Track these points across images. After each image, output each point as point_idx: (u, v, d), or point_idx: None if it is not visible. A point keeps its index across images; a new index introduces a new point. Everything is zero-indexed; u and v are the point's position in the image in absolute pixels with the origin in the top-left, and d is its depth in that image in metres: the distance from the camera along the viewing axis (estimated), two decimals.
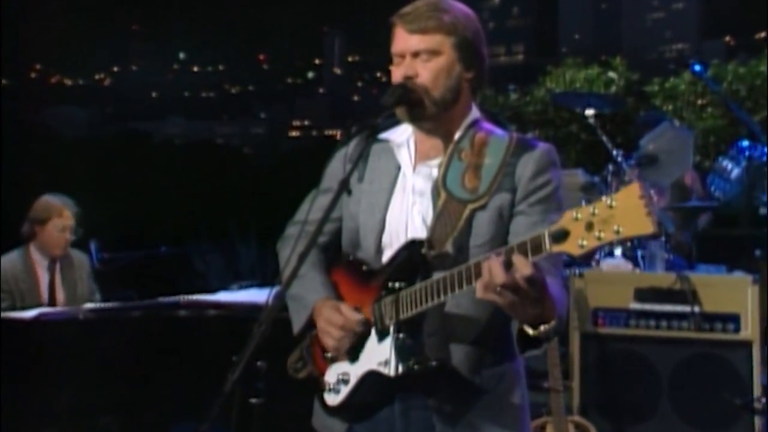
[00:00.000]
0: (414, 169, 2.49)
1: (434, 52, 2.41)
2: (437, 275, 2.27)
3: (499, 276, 2.04)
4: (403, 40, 2.42)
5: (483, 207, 2.38)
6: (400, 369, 2.34)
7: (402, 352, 2.35)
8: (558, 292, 2.22)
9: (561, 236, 1.99)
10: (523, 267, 2.03)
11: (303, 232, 2.40)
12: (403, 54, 2.43)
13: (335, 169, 2.56)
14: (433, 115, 2.43)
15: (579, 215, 1.98)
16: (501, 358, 2.44)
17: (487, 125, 2.50)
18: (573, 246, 1.98)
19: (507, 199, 2.38)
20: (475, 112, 2.51)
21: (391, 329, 2.36)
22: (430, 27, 2.40)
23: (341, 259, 2.57)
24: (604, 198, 1.95)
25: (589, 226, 1.95)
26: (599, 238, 1.94)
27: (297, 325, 2.56)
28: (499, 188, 2.38)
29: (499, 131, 2.49)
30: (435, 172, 2.45)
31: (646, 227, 1.89)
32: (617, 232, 1.92)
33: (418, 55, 2.41)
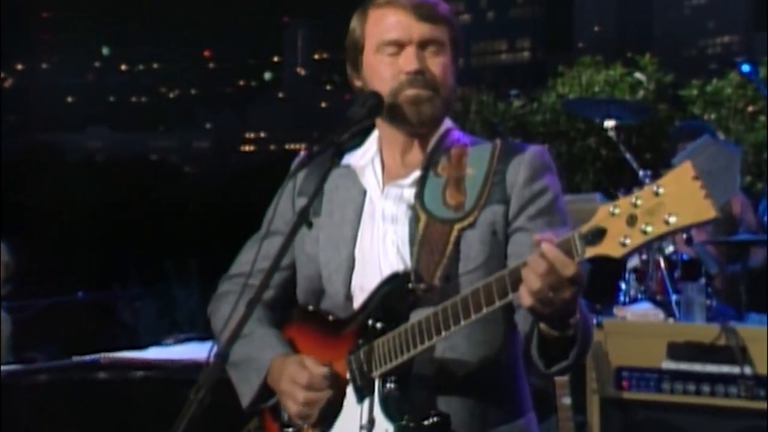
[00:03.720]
0: (382, 191, 2.51)
1: (442, 45, 2.47)
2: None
3: (569, 267, 2.02)
4: (409, 26, 2.44)
5: (472, 225, 2.39)
6: (392, 430, 2.31)
7: (392, 407, 2.32)
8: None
9: (596, 237, 1.99)
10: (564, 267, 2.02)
11: (246, 286, 2.34)
12: (403, 43, 2.45)
13: (282, 208, 2.56)
14: (437, 118, 2.48)
15: (616, 210, 1.97)
16: (509, 414, 2.44)
17: (459, 133, 2.55)
18: (613, 246, 1.97)
19: (500, 211, 2.40)
20: (447, 122, 2.55)
21: (377, 383, 2.34)
22: (439, 16, 2.47)
23: (296, 314, 2.56)
24: (646, 186, 1.94)
25: (632, 220, 1.95)
26: (646, 233, 1.93)
27: (246, 395, 2.53)
28: (488, 201, 2.41)
29: (477, 139, 2.55)
30: (407, 193, 2.47)
31: (707, 211, 1.89)
32: (668, 222, 1.90)
33: (424, 47, 2.44)
